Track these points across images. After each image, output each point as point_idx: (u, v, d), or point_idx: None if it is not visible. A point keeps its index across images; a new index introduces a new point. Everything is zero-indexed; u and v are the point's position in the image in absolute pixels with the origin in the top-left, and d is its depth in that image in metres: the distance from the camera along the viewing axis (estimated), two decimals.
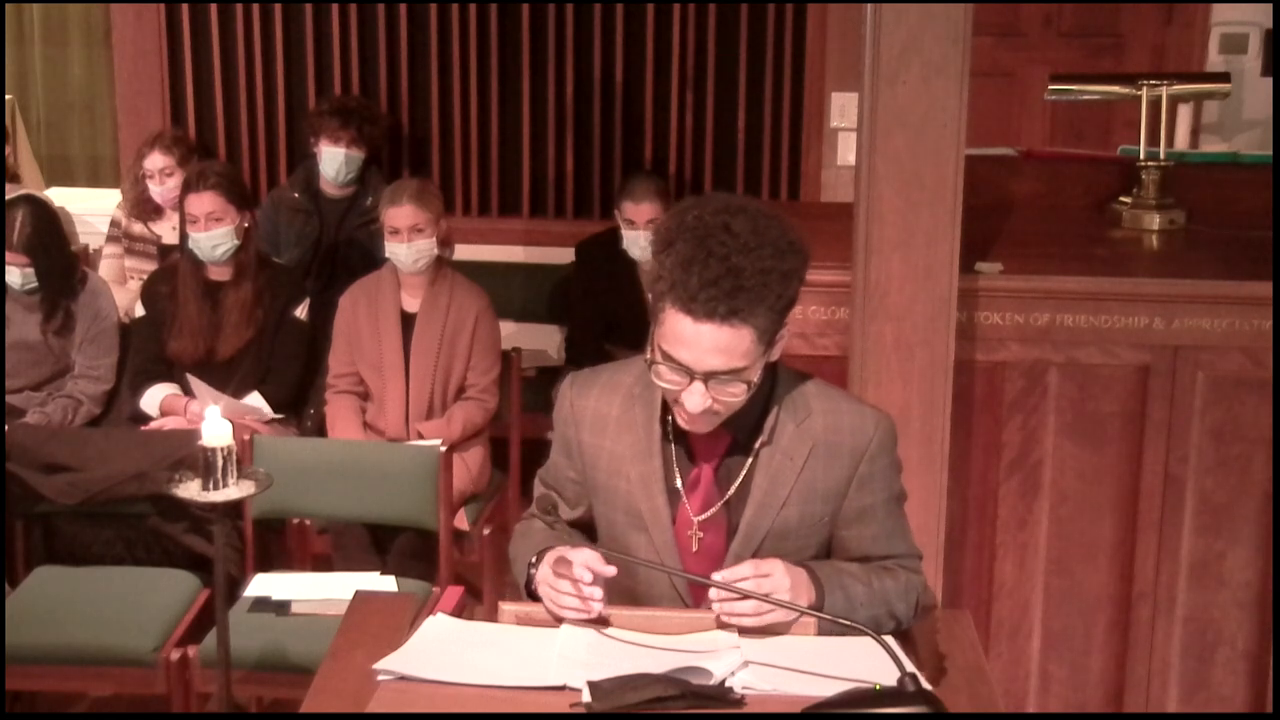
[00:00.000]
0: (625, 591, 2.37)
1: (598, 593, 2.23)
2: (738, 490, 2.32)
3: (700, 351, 2.13)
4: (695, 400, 2.17)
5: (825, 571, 2.30)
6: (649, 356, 2.21)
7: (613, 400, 2.36)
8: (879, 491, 2.36)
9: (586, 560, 2.22)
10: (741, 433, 2.30)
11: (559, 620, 2.27)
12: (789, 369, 2.36)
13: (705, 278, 2.10)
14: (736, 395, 2.19)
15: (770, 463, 2.31)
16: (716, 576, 2.22)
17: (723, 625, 2.23)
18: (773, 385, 2.31)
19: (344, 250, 5.15)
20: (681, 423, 2.26)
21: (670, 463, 2.33)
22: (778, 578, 2.21)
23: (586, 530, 2.45)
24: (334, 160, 5.12)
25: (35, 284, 4.43)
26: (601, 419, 2.36)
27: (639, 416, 2.34)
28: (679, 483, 2.33)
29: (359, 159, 5.16)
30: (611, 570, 2.22)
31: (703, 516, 2.33)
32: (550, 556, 2.29)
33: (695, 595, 2.36)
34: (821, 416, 2.32)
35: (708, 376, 2.15)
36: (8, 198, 4.57)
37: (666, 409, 2.31)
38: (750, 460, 2.32)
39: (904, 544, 2.43)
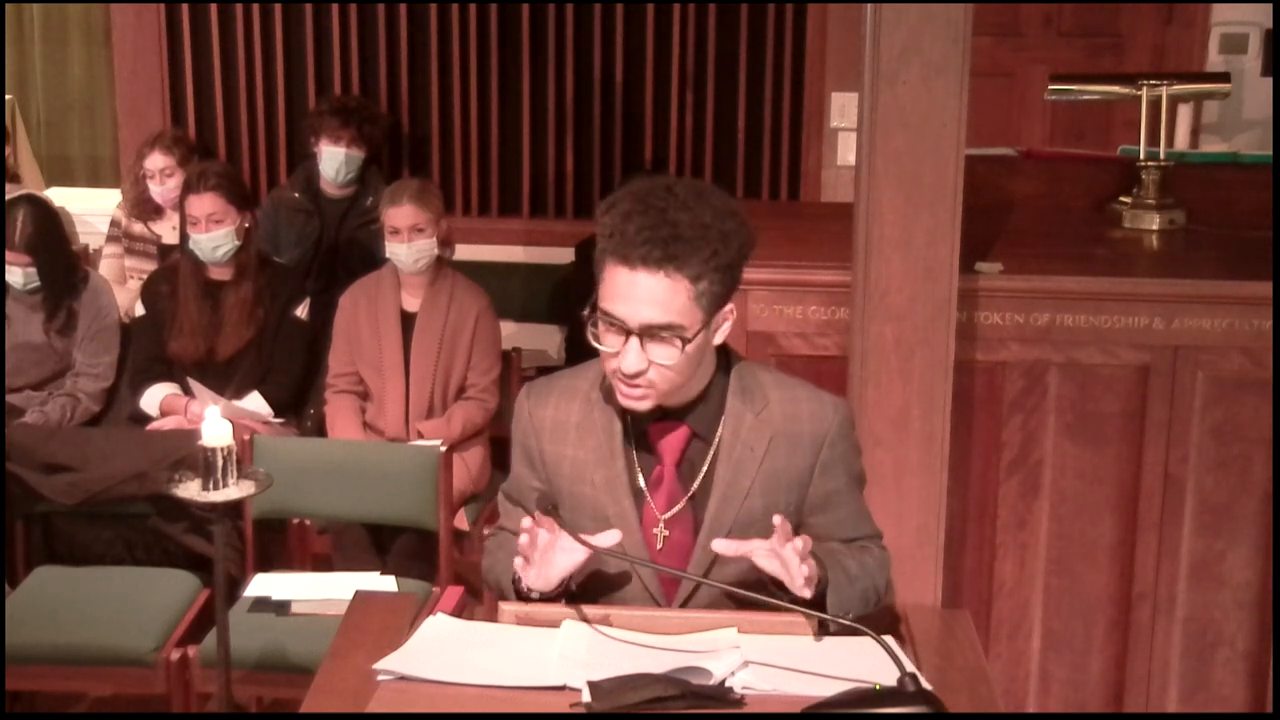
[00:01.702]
0: (596, 596, 2.36)
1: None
2: (701, 484, 2.33)
3: (636, 302, 2.15)
4: (630, 360, 2.17)
5: (821, 551, 2.31)
6: (588, 317, 2.22)
7: (571, 407, 2.36)
8: (841, 476, 2.39)
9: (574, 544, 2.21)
10: (700, 426, 2.32)
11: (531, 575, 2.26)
12: (742, 360, 2.39)
13: (642, 225, 2.14)
14: (671, 360, 2.18)
15: (731, 455, 2.32)
16: (738, 546, 2.21)
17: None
18: (728, 377, 2.33)
19: (344, 250, 5.15)
20: (620, 399, 2.25)
21: (633, 463, 2.33)
22: (804, 544, 2.21)
23: None
24: (334, 160, 5.11)
25: (37, 283, 4.43)
26: (561, 426, 2.36)
27: (599, 420, 2.34)
28: (642, 482, 2.33)
29: (359, 159, 5.16)
30: (602, 543, 2.21)
31: (668, 514, 2.33)
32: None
33: (668, 596, 2.36)
34: (779, 405, 2.34)
35: (643, 331, 2.16)
36: (8, 198, 4.57)
37: (626, 410, 2.31)
38: (711, 454, 2.32)
39: (869, 525, 2.47)
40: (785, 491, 2.35)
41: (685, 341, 2.18)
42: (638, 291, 2.15)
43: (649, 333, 2.16)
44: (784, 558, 2.17)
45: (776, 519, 2.19)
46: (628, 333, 2.17)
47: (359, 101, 5.36)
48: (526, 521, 2.24)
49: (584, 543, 2.20)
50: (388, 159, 5.65)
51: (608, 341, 2.20)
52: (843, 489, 2.40)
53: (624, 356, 2.18)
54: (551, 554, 2.23)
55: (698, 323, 2.19)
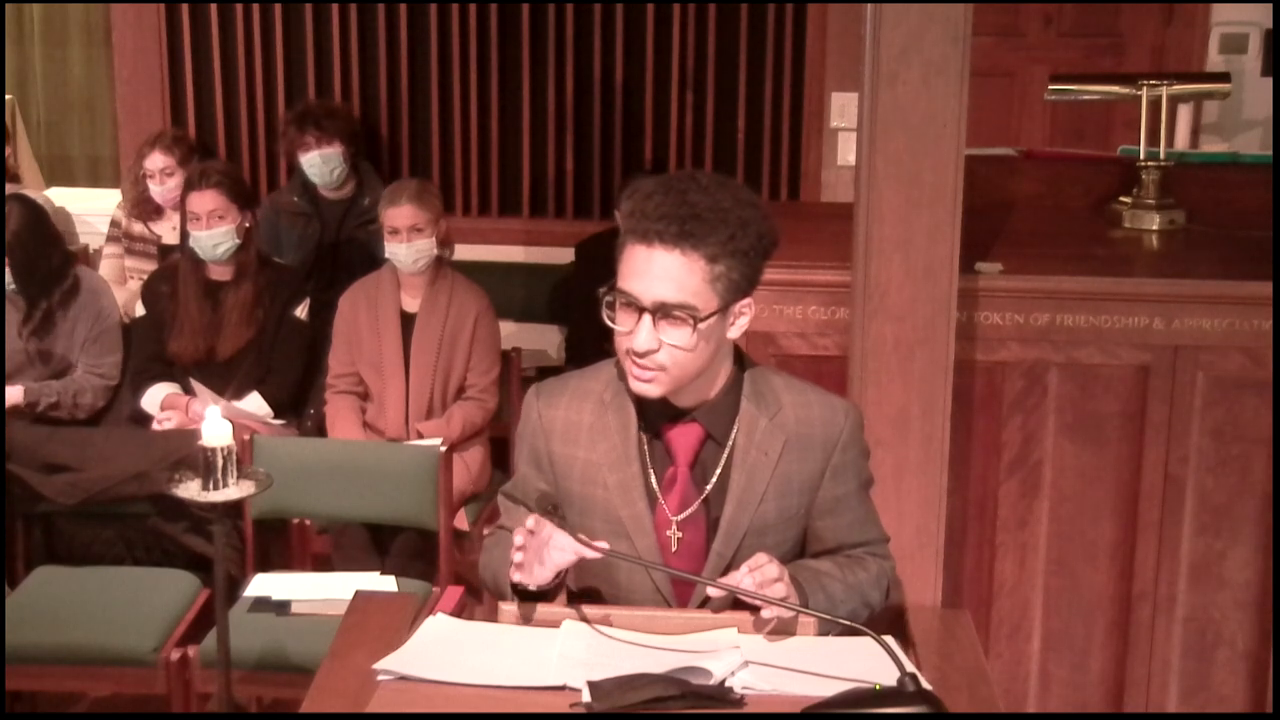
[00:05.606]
0: (608, 598, 2.36)
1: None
2: (715, 487, 2.32)
3: (650, 279, 2.16)
4: (642, 338, 2.18)
5: (804, 575, 2.31)
6: (604, 295, 2.23)
7: (583, 408, 2.36)
8: (851, 480, 2.39)
9: (569, 543, 2.21)
10: (714, 427, 2.31)
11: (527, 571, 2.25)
12: (755, 364, 2.38)
13: (661, 204, 2.17)
14: (683, 341, 2.19)
15: (746, 458, 2.32)
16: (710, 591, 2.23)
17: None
18: (741, 381, 2.33)
19: (344, 251, 5.14)
20: (630, 382, 2.25)
21: (646, 465, 2.33)
22: (769, 566, 2.22)
23: None
24: (313, 166, 5.09)
25: (13, 285, 4.36)
26: (573, 428, 2.36)
27: (613, 423, 2.33)
28: (655, 484, 2.33)
29: (335, 154, 5.10)
30: (594, 553, 2.21)
31: (681, 516, 2.33)
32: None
33: (680, 598, 2.36)
34: (792, 409, 2.34)
35: (656, 309, 2.16)
36: None
37: (640, 411, 2.32)
38: (725, 456, 2.32)
39: (875, 530, 2.46)
40: (797, 495, 2.34)
41: (698, 321, 2.18)
42: (653, 268, 2.16)
43: (662, 311, 2.17)
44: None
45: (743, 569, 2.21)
46: (641, 310, 2.18)
47: (308, 104, 5.31)
48: (530, 522, 2.23)
49: (585, 543, 2.19)
50: (388, 159, 5.65)
51: (622, 320, 2.21)
52: (851, 493, 2.39)
53: (636, 335, 2.18)
54: (546, 552, 2.23)
55: (712, 305, 2.19)
